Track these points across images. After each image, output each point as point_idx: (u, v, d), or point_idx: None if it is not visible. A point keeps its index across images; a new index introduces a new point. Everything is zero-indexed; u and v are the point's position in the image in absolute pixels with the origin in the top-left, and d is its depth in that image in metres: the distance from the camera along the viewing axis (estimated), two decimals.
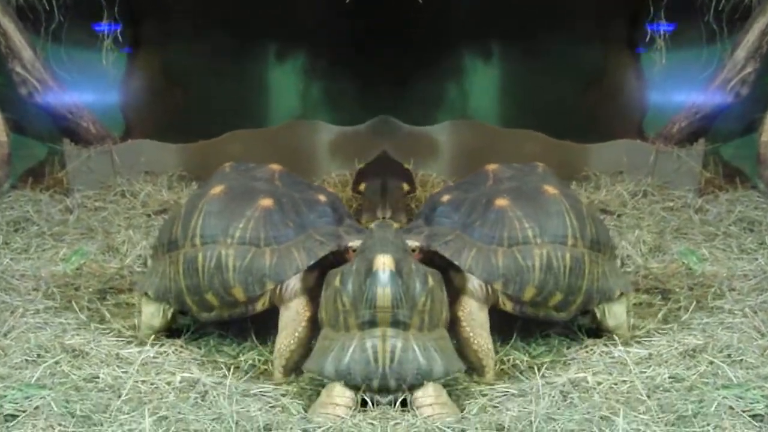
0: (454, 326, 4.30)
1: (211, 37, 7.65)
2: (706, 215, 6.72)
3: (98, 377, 4.16)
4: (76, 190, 7.10)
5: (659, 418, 3.76)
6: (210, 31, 7.62)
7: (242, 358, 4.55)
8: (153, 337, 4.66)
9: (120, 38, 7.14)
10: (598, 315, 4.68)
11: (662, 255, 5.98)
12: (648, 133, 7.54)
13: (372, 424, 3.75)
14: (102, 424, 3.70)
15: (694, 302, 5.11)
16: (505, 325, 4.64)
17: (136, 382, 4.12)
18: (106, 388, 4.06)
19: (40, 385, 4.05)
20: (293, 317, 4.36)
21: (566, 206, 4.51)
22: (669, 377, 4.15)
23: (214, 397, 3.99)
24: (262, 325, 4.69)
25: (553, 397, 3.98)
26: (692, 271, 5.70)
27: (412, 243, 4.41)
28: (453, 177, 7.26)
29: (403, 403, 3.86)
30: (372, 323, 3.89)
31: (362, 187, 6.56)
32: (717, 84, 7.12)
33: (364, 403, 3.87)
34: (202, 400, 3.97)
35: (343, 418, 3.80)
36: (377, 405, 3.85)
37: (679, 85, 7.31)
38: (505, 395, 4.05)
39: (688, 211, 6.78)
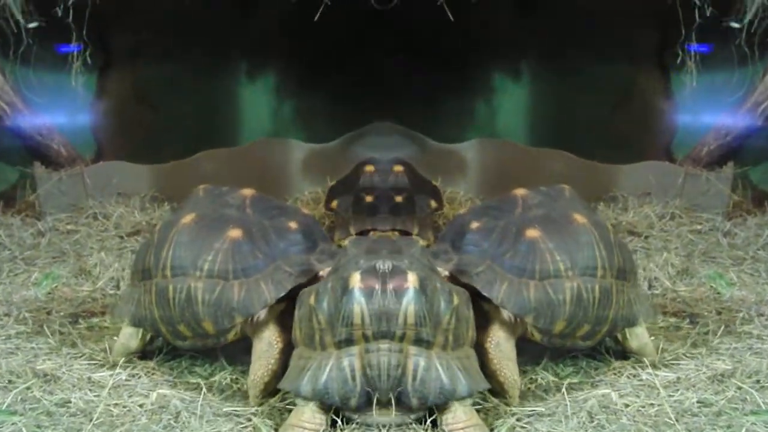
0: (481, 357, 4.29)
1: (181, 57, 7.75)
2: (734, 239, 6.75)
3: (70, 402, 4.19)
4: (47, 214, 7.17)
5: None
6: (180, 51, 7.71)
7: (214, 379, 4.61)
8: (125, 359, 4.71)
9: (89, 60, 7.10)
10: (620, 338, 4.74)
11: (690, 278, 6.01)
12: (677, 154, 7.56)
13: None
14: None
15: (723, 327, 5.14)
16: (534, 346, 4.65)
17: (108, 405, 4.16)
18: (78, 413, 4.09)
19: (11, 411, 4.07)
20: (266, 349, 4.38)
21: (596, 236, 4.51)
22: (697, 402, 4.17)
23: (186, 418, 4.04)
24: (233, 346, 4.69)
25: (581, 418, 4.02)
26: (720, 295, 5.73)
27: (442, 272, 4.41)
28: (480, 195, 7.33)
29: (434, 423, 3.90)
30: (349, 341, 3.86)
31: (334, 204, 6.61)
32: (747, 107, 7.15)
33: (333, 424, 3.90)
34: (175, 422, 4.01)
35: None
36: (348, 423, 3.89)
37: (709, 108, 7.33)
38: (533, 415, 4.09)
39: (716, 234, 6.81)
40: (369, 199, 6.34)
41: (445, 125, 7.75)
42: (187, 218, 4.62)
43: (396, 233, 6.20)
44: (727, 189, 7.26)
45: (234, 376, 4.62)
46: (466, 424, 3.89)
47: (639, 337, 4.72)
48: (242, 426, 4.02)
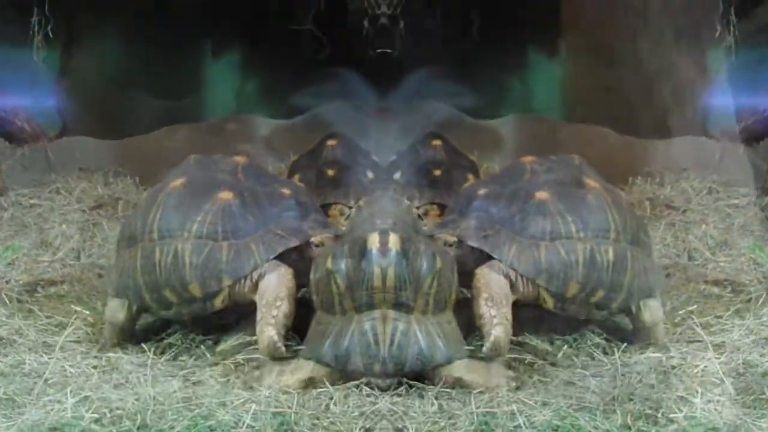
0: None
1: (146, 33, 7.87)
2: None
3: (24, 363, 4.35)
4: (10, 189, 7.27)
5: (736, 399, 3.97)
6: (145, 26, 7.85)
7: (168, 341, 4.74)
8: (79, 322, 4.85)
9: (51, 34, 7.12)
10: (634, 310, 4.67)
11: (729, 250, 6.19)
12: (713, 130, 7.68)
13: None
14: (25, 406, 3.92)
15: (765, 294, 5.31)
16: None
17: (62, 366, 4.31)
18: (32, 373, 4.25)
19: None
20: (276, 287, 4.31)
21: (608, 200, 4.54)
22: (743, 363, 4.35)
23: (136, 378, 4.19)
24: None
25: (631, 378, 4.20)
26: (760, 266, 5.91)
27: (449, 238, 4.49)
28: None
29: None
30: (370, 305, 3.92)
31: (296, 178, 6.71)
32: None
33: None
34: (126, 381, 4.18)
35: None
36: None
37: (747, 83, 7.45)
38: (584, 374, 4.28)
39: (753, 208, 6.96)
40: (331, 172, 6.51)
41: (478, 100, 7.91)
42: (177, 182, 4.63)
43: (435, 207, 6.39)
44: (764, 164, 7.38)
45: (186, 338, 4.75)
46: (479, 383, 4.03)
47: (653, 311, 4.66)
48: (192, 382, 4.20)
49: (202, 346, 4.62)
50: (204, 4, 7.90)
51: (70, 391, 3.98)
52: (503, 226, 4.47)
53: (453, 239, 4.48)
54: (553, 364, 4.45)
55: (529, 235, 4.42)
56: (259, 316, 4.30)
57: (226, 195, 4.50)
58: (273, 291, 4.31)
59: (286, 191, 4.71)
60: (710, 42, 7.33)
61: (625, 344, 4.60)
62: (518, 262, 4.35)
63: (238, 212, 4.47)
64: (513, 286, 4.41)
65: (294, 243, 4.46)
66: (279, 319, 4.24)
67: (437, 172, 6.58)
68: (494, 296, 4.27)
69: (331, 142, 6.72)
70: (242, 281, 4.41)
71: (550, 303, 4.47)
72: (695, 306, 5.13)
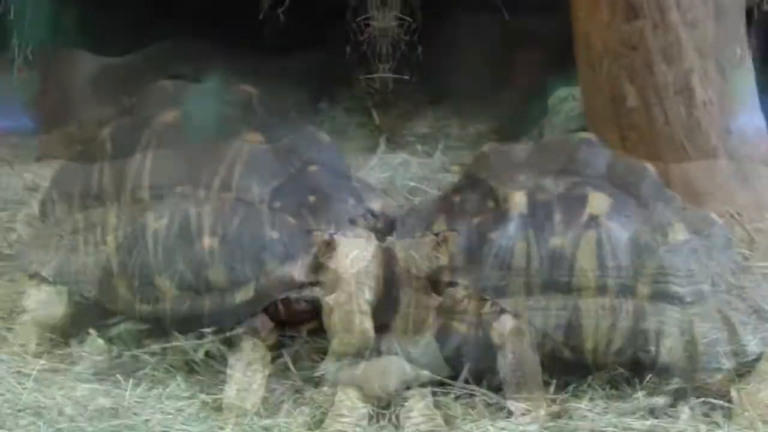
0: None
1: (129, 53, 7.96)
2: None
3: None
4: None
5: None
6: (128, 46, 7.97)
7: (143, 371, 4.71)
8: (48, 349, 4.87)
9: (30, 57, 7.18)
10: (653, 350, 4.53)
11: (753, 275, 6.09)
12: (735, 152, 7.60)
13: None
14: None
15: None
16: None
17: (36, 397, 4.30)
18: (5, 404, 4.26)
19: None
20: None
21: (625, 240, 4.44)
22: None
23: (113, 407, 4.21)
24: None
25: (655, 414, 4.24)
26: None
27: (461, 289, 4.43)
28: None
29: None
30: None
31: (277, 206, 6.65)
32: None
33: None
34: (101, 411, 4.20)
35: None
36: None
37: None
38: (606, 412, 4.28)
39: None
40: (311, 199, 6.45)
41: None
42: (160, 223, 4.54)
43: (455, 233, 6.34)
44: None
45: (160, 367, 4.74)
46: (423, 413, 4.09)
47: (672, 350, 4.54)
48: (169, 414, 4.23)
49: (177, 377, 4.62)
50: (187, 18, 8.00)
51: (44, 423, 4.02)
52: (518, 275, 4.38)
53: (465, 283, 4.42)
54: (575, 396, 4.44)
55: (545, 286, 4.36)
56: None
57: (207, 242, 4.44)
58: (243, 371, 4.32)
59: (275, 235, 4.56)
60: (730, 62, 7.30)
61: (650, 374, 4.53)
62: (534, 318, 4.32)
63: (220, 259, 4.42)
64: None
65: (277, 297, 4.41)
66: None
67: (456, 198, 6.54)
68: (532, 390, 4.28)
69: (312, 168, 6.69)
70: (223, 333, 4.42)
71: (567, 355, 4.41)
72: (719, 334, 5.05)
